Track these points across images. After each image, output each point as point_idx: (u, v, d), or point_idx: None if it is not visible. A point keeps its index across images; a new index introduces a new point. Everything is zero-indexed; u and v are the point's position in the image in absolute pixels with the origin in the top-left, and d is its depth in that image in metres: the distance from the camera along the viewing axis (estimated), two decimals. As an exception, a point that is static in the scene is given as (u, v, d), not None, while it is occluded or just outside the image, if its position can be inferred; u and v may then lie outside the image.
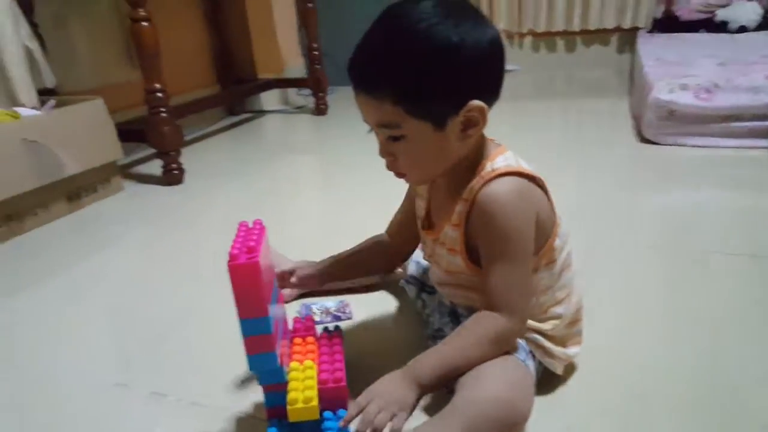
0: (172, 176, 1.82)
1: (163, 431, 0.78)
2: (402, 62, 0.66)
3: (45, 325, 1.10)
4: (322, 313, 0.99)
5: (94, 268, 1.34)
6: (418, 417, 0.72)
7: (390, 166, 0.75)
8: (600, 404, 0.77)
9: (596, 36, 3.42)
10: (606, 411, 0.76)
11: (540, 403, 0.74)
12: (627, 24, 3.28)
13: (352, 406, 0.66)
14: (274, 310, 0.66)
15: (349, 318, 0.99)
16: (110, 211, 1.68)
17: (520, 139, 2.11)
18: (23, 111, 1.60)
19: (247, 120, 2.77)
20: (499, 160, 0.73)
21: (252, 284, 0.61)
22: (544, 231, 0.74)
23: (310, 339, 0.76)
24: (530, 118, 2.48)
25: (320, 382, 0.68)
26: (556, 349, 0.78)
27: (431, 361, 0.70)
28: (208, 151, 2.28)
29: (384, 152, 0.74)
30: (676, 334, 0.91)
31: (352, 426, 0.65)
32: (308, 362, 0.70)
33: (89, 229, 1.56)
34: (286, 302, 1.05)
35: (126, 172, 1.99)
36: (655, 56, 2.40)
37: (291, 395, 0.65)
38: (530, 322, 0.77)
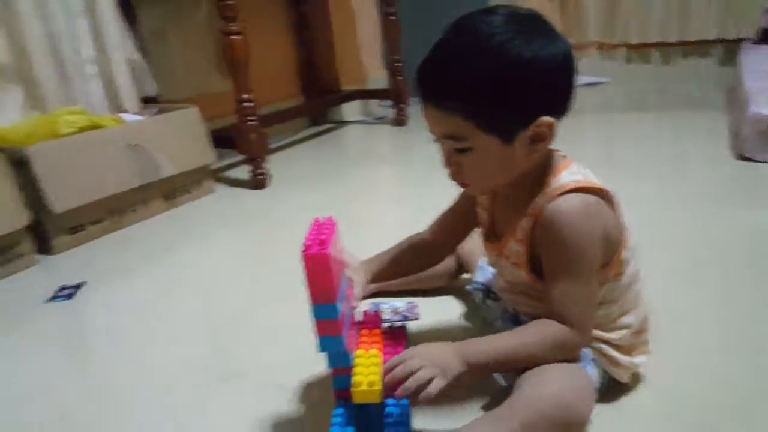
0: (258, 181, 1.93)
1: (240, 410, 0.84)
2: (474, 78, 0.67)
3: (140, 308, 1.22)
4: (391, 312, 1.03)
5: (186, 259, 1.46)
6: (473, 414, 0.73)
7: (453, 176, 0.76)
8: (663, 414, 0.76)
9: (695, 47, 3.27)
10: (668, 420, 0.75)
11: (603, 410, 0.75)
12: (731, 35, 3.10)
13: (396, 358, 0.68)
14: (342, 299, 0.70)
15: (416, 319, 1.02)
16: (201, 211, 1.81)
17: (608, 153, 2.11)
18: (127, 117, 1.75)
19: (329, 130, 2.87)
20: (564, 175, 0.73)
21: (322, 272, 0.65)
22: (612, 244, 0.74)
23: (376, 331, 0.81)
24: (621, 132, 2.42)
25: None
26: (622, 358, 0.78)
27: (484, 345, 0.71)
28: (292, 159, 2.39)
29: (448, 162, 0.75)
30: (751, 354, 0.88)
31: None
32: (374, 351, 0.74)
33: (182, 226, 1.69)
34: (366, 297, 1.09)
35: (217, 175, 2.12)
36: (758, 68, 2.27)
37: (356, 378, 0.69)
38: (597, 332, 0.77)
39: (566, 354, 0.72)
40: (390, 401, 0.71)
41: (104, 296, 1.29)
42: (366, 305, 1.08)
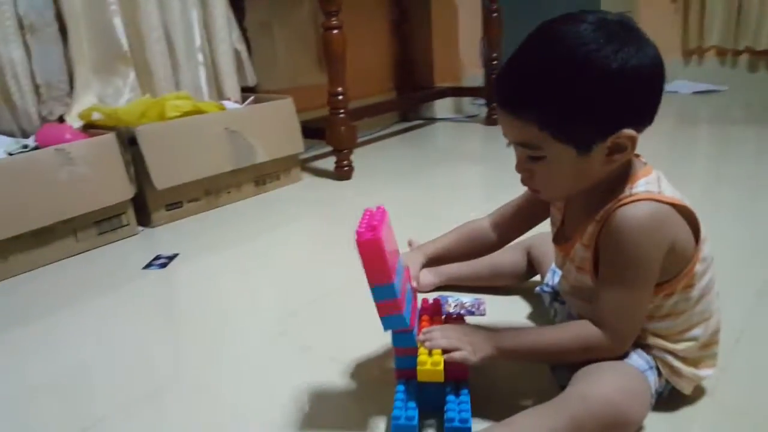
0: (342, 172, 1.99)
1: (307, 380, 0.90)
2: (554, 88, 0.65)
3: (226, 280, 1.32)
4: (456, 305, 1.04)
5: (272, 240, 1.55)
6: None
7: (525, 182, 0.76)
8: (718, 430, 0.74)
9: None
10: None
11: (658, 418, 0.74)
12: None
13: (436, 327, 0.74)
14: (399, 280, 0.74)
15: (482, 315, 1.03)
16: (288, 197, 1.89)
17: (718, 167, 1.97)
18: (227, 104, 1.86)
19: (418, 126, 2.90)
20: (640, 184, 0.71)
21: (376, 256, 0.70)
22: (683, 257, 0.72)
23: (436, 318, 0.84)
24: (736, 145, 2.26)
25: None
26: (686, 369, 0.76)
27: (518, 334, 0.74)
28: (379, 153, 2.44)
29: (521, 168, 0.74)
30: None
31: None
32: None
33: (270, 210, 1.78)
34: (425, 292, 1.13)
35: (305, 165, 2.21)
36: None
37: (421, 357, 0.74)
38: (662, 342, 0.75)
39: (595, 356, 0.72)
40: (450, 397, 0.74)
41: (194, 267, 1.39)
42: (431, 298, 1.10)
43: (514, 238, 0.97)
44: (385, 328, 0.75)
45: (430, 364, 0.73)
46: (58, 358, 1.03)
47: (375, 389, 0.86)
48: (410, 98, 2.87)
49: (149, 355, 1.03)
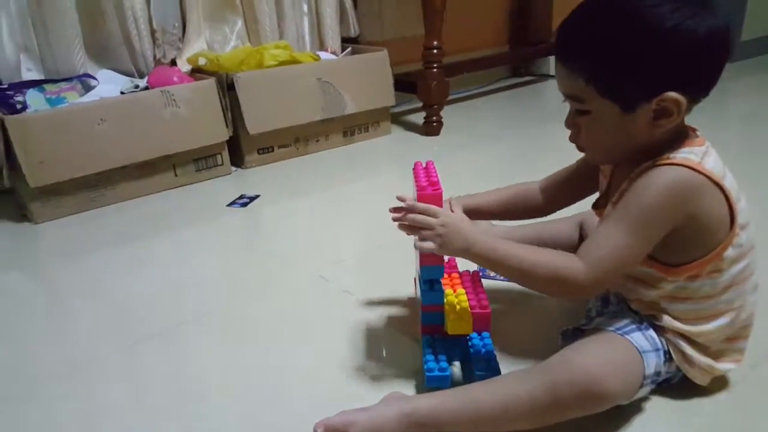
0: (431, 127, 2.01)
1: (345, 324, 0.98)
2: (602, 41, 0.65)
3: (299, 223, 1.44)
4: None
5: (353, 190, 1.63)
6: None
7: (572, 138, 0.75)
8: (719, 426, 0.72)
9: None
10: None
11: (661, 403, 0.76)
12: None
13: (422, 205, 0.75)
14: None
15: (505, 280, 1.02)
16: (374, 149, 1.95)
17: None
18: (323, 55, 1.93)
19: (529, 82, 2.80)
20: (682, 152, 0.68)
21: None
22: (711, 235, 0.68)
23: (454, 274, 0.89)
24: None
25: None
26: (701, 359, 0.74)
27: (497, 245, 0.73)
28: (479, 109, 2.40)
29: (569, 123, 0.74)
30: None
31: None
32: (460, 290, 0.84)
33: (357, 160, 1.85)
34: None
35: (398, 118, 2.24)
36: None
37: (449, 311, 0.80)
38: (678, 325, 0.73)
39: (563, 290, 0.71)
40: (474, 335, 0.83)
41: (272, 209, 1.52)
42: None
43: (562, 206, 0.95)
44: (425, 278, 0.81)
45: (458, 318, 0.79)
46: (147, 275, 1.20)
47: (398, 342, 0.93)
48: (520, 53, 2.76)
49: (210, 282, 1.16)
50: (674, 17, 0.61)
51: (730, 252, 0.69)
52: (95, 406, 0.84)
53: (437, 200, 0.76)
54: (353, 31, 2.14)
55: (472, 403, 0.69)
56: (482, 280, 0.89)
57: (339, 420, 0.70)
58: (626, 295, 0.78)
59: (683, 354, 0.73)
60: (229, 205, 1.53)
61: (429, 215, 0.74)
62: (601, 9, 0.67)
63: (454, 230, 0.73)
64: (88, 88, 1.62)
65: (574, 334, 0.78)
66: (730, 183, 0.69)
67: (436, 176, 0.80)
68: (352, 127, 1.95)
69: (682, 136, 0.70)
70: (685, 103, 0.65)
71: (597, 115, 0.69)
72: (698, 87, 0.67)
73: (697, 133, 0.72)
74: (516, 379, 0.70)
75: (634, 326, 0.73)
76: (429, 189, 0.76)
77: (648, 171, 0.68)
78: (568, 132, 0.75)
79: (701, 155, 0.68)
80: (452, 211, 0.86)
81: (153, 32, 1.75)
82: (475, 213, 0.92)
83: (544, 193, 0.93)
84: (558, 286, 0.71)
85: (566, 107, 0.73)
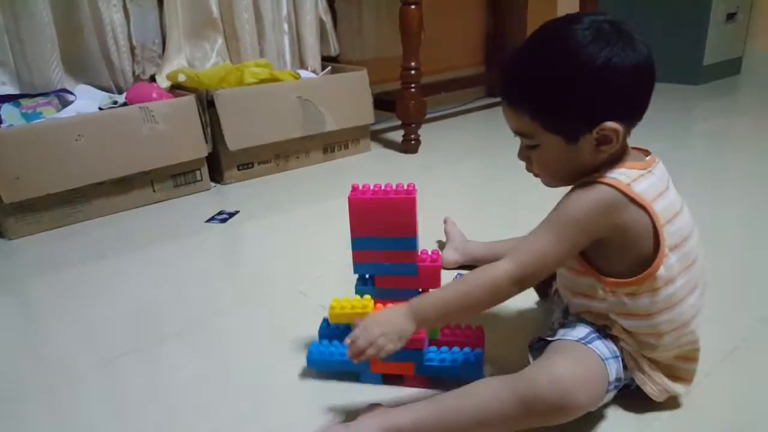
0: (409, 145, 2.03)
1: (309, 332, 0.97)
2: (542, 81, 0.71)
3: (278, 239, 1.43)
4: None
5: (333, 206, 1.59)
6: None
7: (527, 168, 0.81)
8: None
9: None
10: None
11: (621, 412, 0.78)
12: None
13: (357, 330, 0.74)
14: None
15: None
16: (353, 166, 1.96)
17: None
18: (303, 73, 1.95)
19: (505, 103, 2.84)
20: (615, 173, 0.72)
21: (411, 212, 0.86)
22: (639, 252, 0.72)
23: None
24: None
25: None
26: (652, 373, 0.77)
27: (432, 300, 0.76)
28: (456, 128, 2.43)
29: (522, 156, 0.80)
30: None
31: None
32: (367, 297, 0.89)
33: (336, 177, 1.86)
34: (448, 268, 1.17)
35: (377, 136, 2.26)
36: None
37: (332, 304, 0.88)
38: (627, 338, 0.76)
39: (503, 294, 0.73)
40: (467, 349, 0.86)
41: (251, 225, 1.52)
42: (452, 274, 1.14)
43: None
44: (397, 273, 0.89)
45: (338, 309, 0.86)
46: (124, 292, 1.19)
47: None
48: (496, 73, 2.81)
49: (187, 298, 1.16)
50: (602, 55, 0.67)
51: (662, 271, 0.72)
52: (70, 424, 0.83)
53: (410, 204, 0.85)
54: (333, 50, 2.17)
55: (452, 412, 0.71)
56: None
57: None
58: (577, 310, 0.81)
59: (635, 361, 0.77)
60: (208, 221, 1.53)
61: (363, 335, 0.73)
62: (537, 51, 0.72)
63: (394, 326, 0.74)
64: (65, 104, 1.62)
65: (540, 344, 0.80)
66: (667, 203, 0.72)
67: (413, 190, 0.86)
68: (332, 144, 1.97)
69: (620, 158, 0.74)
70: (622, 129, 0.70)
71: (545, 147, 0.75)
72: (632, 114, 0.72)
73: (648, 156, 0.77)
74: (491, 393, 0.71)
75: (594, 335, 0.76)
76: (402, 194, 0.84)
77: (581, 186, 0.73)
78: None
79: (633, 177, 0.72)
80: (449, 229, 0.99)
81: (132, 48, 1.76)
82: (470, 255, 1.01)
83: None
84: (498, 294, 0.74)
85: (518, 140, 0.79)
